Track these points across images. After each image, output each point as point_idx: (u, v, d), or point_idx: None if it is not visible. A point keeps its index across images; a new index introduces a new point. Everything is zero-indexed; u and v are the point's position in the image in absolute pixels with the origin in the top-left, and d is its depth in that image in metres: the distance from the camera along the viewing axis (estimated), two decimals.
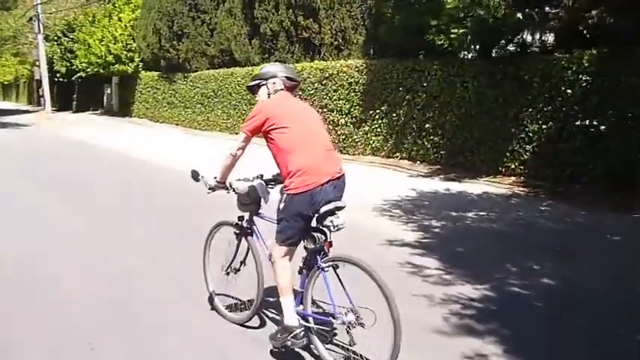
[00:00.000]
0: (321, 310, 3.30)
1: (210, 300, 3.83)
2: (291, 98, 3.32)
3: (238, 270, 3.60)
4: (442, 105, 9.47)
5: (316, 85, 12.24)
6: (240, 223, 3.54)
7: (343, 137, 11.61)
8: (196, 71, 17.92)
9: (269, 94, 3.28)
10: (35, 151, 13.63)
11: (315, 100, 12.19)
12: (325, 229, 3.00)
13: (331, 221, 2.96)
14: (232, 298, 3.82)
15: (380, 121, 10.70)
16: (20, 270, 4.65)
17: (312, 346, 3.12)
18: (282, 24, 14.30)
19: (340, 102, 11.57)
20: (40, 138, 17.38)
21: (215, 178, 3.42)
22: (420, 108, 9.87)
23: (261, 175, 3.51)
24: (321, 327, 3.09)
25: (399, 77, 10.18)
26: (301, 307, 3.13)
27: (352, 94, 11.30)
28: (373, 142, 10.94)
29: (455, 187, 8.32)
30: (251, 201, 3.43)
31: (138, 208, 7.16)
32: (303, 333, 3.03)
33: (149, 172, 10.48)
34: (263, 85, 3.31)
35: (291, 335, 3.00)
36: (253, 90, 3.38)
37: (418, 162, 10.05)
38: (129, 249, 5.33)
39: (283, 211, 3.05)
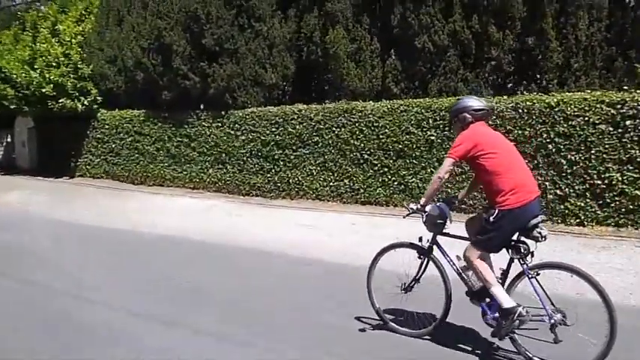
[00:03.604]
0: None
1: (379, 316, 4.18)
2: (487, 127, 3.73)
3: (412, 287, 3.99)
4: None
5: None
6: (420, 244, 3.93)
7: (617, 200, 7.25)
8: (244, 108, 11.72)
9: (462, 128, 3.68)
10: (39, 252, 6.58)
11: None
12: (532, 240, 3.42)
13: (539, 232, 3.39)
14: (408, 313, 4.10)
15: None
16: None
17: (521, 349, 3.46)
18: (456, 37, 9.42)
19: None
20: None
21: (418, 202, 3.81)
22: None
23: (443, 199, 4.03)
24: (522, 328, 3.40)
25: None
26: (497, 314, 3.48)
27: None
28: None
29: None
30: (441, 221, 3.76)
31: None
32: (525, 310, 3.31)
33: None
34: (455, 121, 3.76)
35: (516, 315, 3.28)
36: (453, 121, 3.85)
37: None
38: None
39: (494, 224, 3.44)
